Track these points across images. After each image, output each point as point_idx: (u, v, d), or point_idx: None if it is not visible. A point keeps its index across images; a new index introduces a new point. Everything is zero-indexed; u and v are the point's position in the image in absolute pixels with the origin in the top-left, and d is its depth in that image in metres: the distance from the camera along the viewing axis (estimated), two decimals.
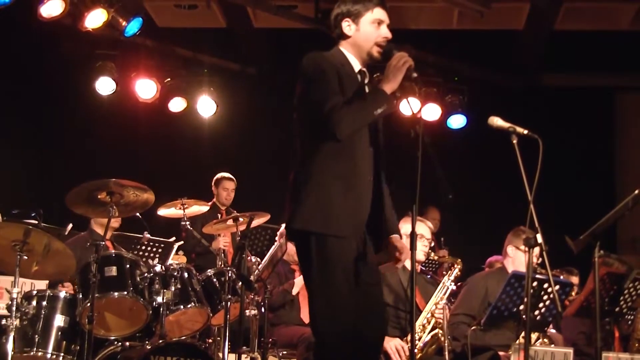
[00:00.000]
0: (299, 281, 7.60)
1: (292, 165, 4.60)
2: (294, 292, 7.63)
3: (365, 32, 4.64)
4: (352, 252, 4.46)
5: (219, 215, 8.82)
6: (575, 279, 8.22)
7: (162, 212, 7.52)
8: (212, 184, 9.48)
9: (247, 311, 6.66)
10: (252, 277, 6.66)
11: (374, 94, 4.53)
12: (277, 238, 7.49)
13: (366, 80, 4.71)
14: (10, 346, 5.63)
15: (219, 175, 9.49)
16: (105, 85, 10.02)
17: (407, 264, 6.58)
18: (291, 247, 7.38)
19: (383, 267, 4.96)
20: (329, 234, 4.39)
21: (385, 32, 4.65)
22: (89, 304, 5.72)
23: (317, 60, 4.56)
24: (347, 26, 4.66)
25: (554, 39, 10.36)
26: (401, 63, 4.47)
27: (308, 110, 4.50)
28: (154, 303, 6.11)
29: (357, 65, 4.68)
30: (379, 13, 4.66)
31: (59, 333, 6.01)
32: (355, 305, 4.42)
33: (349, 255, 4.43)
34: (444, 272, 6.86)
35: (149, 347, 5.92)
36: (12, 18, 8.48)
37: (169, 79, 10.39)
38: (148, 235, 7.41)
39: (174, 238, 7.72)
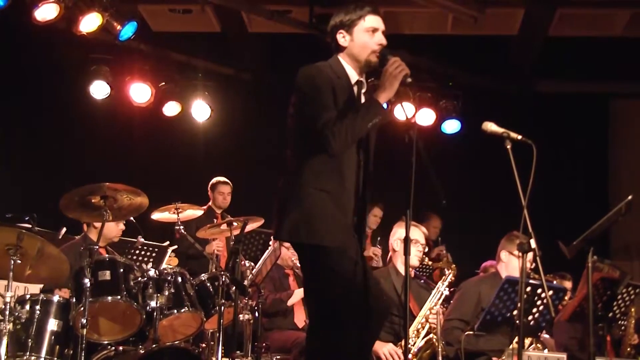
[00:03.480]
0: (297, 293, 7.59)
1: (283, 173, 4.63)
2: (290, 303, 7.61)
3: (360, 41, 4.65)
4: (343, 260, 4.46)
5: (214, 220, 8.82)
6: (568, 284, 8.24)
7: (156, 216, 7.52)
8: (208, 188, 9.48)
9: (240, 316, 6.66)
10: (245, 282, 6.65)
11: (367, 105, 4.56)
12: (271, 243, 7.50)
13: (363, 90, 4.72)
14: (3, 350, 5.61)
15: (214, 179, 9.48)
16: (99, 89, 9.99)
17: (401, 268, 6.62)
18: (285, 252, 7.39)
19: None
20: (316, 244, 4.41)
21: (379, 39, 4.65)
22: (82, 308, 5.71)
23: (312, 74, 4.57)
24: (341, 37, 4.67)
25: (548, 45, 10.38)
26: (397, 71, 4.48)
27: (301, 124, 4.54)
28: (148, 307, 6.09)
29: (354, 76, 4.69)
30: (371, 21, 4.66)
31: (52, 337, 5.99)
32: (354, 312, 4.45)
33: (339, 263, 4.43)
34: (435, 278, 6.87)
35: (142, 351, 5.92)
36: (6, 22, 8.47)
37: (164, 83, 10.37)
38: (142, 240, 7.40)
39: (167, 242, 7.71)
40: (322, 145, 4.39)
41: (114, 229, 7.12)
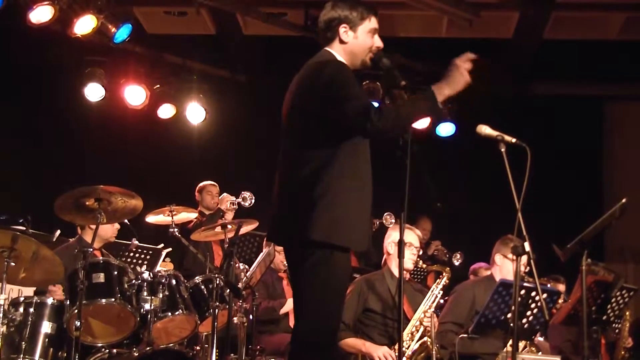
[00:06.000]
0: (290, 302, 7.57)
1: (292, 171, 4.50)
2: (282, 311, 7.61)
3: (363, 41, 4.63)
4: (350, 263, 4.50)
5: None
6: (561, 287, 8.24)
7: (151, 218, 7.51)
8: (196, 192, 9.41)
9: (234, 318, 6.65)
10: (240, 285, 6.65)
11: (427, 96, 4.51)
12: (264, 245, 7.50)
13: None
14: None
15: (201, 184, 9.44)
16: (94, 92, 9.99)
17: (396, 271, 6.62)
18: (277, 256, 7.38)
19: None
20: (349, 247, 4.39)
21: (379, 42, 4.67)
22: (76, 311, 5.70)
23: (344, 66, 4.52)
24: (343, 32, 4.62)
25: (542, 48, 10.39)
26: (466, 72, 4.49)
27: (327, 119, 4.38)
28: (142, 310, 6.08)
29: None
30: (375, 22, 4.67)
31: (46, 340, 5.98)
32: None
33: (350, 266, 4.50)
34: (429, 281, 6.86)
35: (136, 354, 5.91)
36: (0, 24, 8.46)
37: (158, 86, 10.37)
38: (136, 242, 7.39)
39: (162, 245, 7.70)
40: (366, 131, 4.30)
41: (109, 229, 7.09)
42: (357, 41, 4.63)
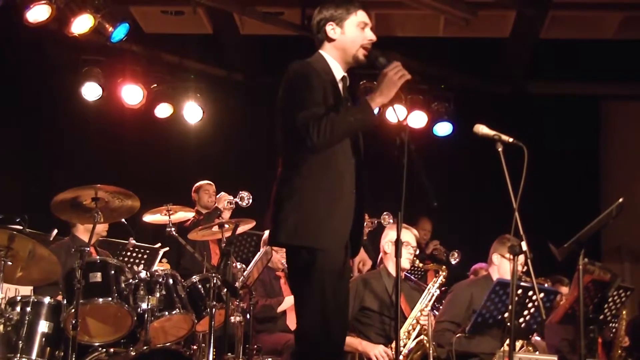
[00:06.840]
0: (287, 301, 7.58)
1: (277, 174, 4.55)
2: (279, 309, 7.60)
3: (351, 35, 4.62)
4: (336, 263, 4.44)
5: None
6: (564, 289, 8.22)
7: (147, 218, 7.50)
8: (192, 192, 9.39)
9: (232, 318, 6.64)
10: (237, 284, 6.64)
11: (359, 107, 4.48)
12: (262, 244, 7.50)
13: (346, 86, 4.70)
14: None
15: (198, 183, 9.42)
16: (91, 91, 9.97)
17: (392, 270, 6.62)
18: (275, 255, 7.38)
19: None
20: (316, 247, 4.36)
21: (370, 35, 4.65)
22: (73, 310, 5.70)
23: (304, 69, 4.52)
24: (331, 30, 4.63)
25: (539, 47, 10.40)
26: (397, 76, 4.41)
27: (291, 120, 4.42)
28: (139, 309, 6.09)
29: (339, 72, 4.64)
30: (362, 16, 4.66)
31: (43, 339, 5.98)
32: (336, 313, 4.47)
33: (333, 267, 4.42)
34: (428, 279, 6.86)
35: (133, 353, 5.91)
36: None
37: (155, 85, 10.37)
38: (133, 242, 7.39)
39: (159, 244, 7.70)
40: (305, 141, 4.31)
41: (100, 225, 7.07)
42: (344, 36, 4.63)
